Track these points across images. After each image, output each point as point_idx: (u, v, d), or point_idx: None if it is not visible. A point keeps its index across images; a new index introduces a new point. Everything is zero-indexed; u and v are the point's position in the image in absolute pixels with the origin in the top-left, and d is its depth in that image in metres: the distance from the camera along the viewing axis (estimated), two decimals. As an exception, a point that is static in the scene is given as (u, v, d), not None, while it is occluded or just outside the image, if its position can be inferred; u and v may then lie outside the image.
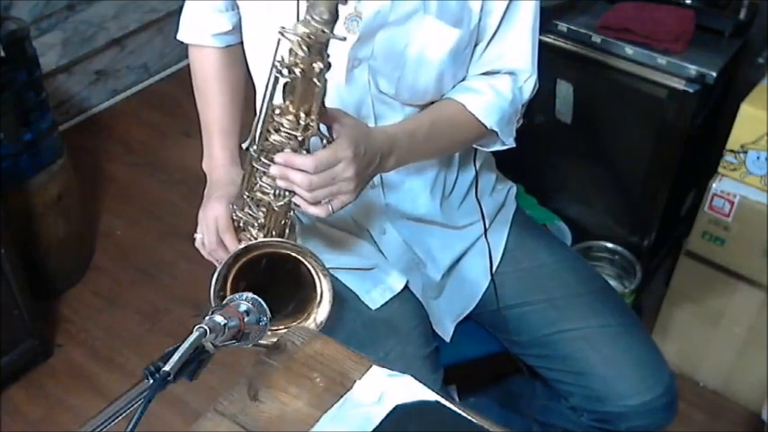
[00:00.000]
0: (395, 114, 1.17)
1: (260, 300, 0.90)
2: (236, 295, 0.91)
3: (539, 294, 1.29)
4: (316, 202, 1.01)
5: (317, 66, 0.93)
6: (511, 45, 1.16)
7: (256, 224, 1.12)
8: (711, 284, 1.81)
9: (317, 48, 0.93)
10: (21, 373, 1.98)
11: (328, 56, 0.94)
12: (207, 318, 0.83)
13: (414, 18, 1.08)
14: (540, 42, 1.19)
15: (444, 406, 0.91)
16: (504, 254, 1.33)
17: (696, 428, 1.85)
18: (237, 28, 1.27)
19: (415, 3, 1.07)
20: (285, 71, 0.95)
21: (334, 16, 0.91)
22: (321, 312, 1.07)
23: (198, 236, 1.22)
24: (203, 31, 1.28)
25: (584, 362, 1.24)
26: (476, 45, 1.16)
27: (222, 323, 0.83)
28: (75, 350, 2.07)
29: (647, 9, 1.73)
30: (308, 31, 0.91)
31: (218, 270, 1.04)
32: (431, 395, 0.93)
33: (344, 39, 0.99)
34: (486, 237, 1.31)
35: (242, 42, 1.27)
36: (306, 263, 1.06)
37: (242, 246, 1.06)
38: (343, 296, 1.25)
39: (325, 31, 0.91)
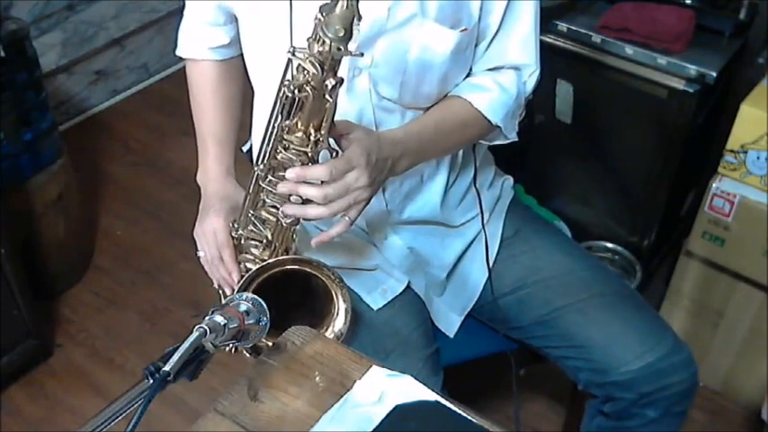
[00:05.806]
0: (396, 121, 1.17)
1: (260, 300, 0.90)
2: (236, 295, 0.91)
3: (533, 277, 1.29)
4: (332, 215, 1.00)
5: (330, 82, 0.92)
6: (514, 42, 1.16)
7: (263, 242, 1.12)
8: (711, 284, 1.80)
9: (330, 65, 0.92)
10: (21, 373, 1.98)
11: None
12: (207, 318, 0.83)
13: (412, 23, 1.07)
14: (540, 42, 1.19)
15: (444, 406, 0.91)
16: (500, 243, 1.33)
17: (696, 428, 1.85)
18: (236, 41, 1.26)
19: (412, 8, 1.06)
20: (296, 91, 0.93)
21: (350, 33, 0.90)
22: (338, 323, 1.08)
23: (201, 253, 1.21)
24: (201, 45, 1.28)
25: (582, 334, 1.24)
26: (478, 44, 1.16)
27: (222, 323, 0.83)
28: (76, 350, 2.07)
29: (646, 9, 1.73)
30: (322, 49, 0.90)
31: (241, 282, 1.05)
32: (431, 395, 0.93)
33: (362, 54, 0.99)
34: (484, 230, 1.31)
35: (241, 55, 1.26)
36: (322, 277, 1.07)
37: (257, 267, 1.06)
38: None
39: (341, 48, 0.90)
